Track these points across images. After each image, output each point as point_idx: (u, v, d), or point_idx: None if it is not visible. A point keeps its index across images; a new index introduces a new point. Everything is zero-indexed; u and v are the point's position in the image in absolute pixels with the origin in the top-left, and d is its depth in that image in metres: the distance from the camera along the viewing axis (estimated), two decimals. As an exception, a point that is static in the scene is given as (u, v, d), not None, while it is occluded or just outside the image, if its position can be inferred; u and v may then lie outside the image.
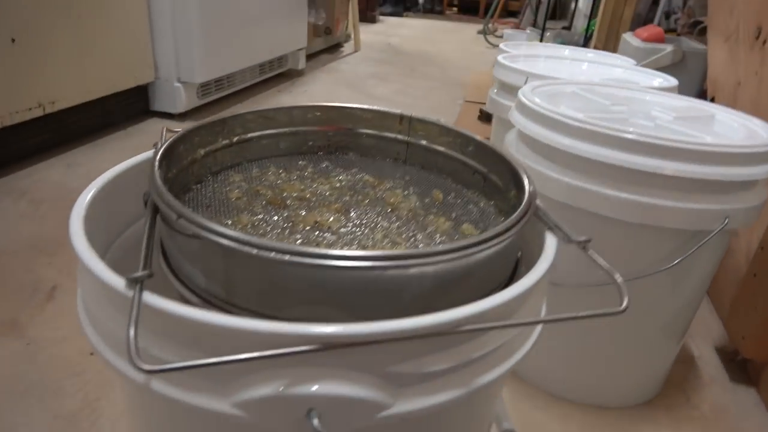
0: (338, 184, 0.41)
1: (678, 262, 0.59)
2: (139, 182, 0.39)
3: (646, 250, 0.61)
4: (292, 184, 0.40)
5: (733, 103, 1.06)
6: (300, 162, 0.44)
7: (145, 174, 0.40)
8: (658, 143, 0.56)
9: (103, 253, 0.37)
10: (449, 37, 3.89)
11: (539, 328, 0.33)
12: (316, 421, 0.24)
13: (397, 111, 0.45)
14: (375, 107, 0.45)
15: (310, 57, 2.54)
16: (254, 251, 0.25)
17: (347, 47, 3.04)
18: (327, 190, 0.40)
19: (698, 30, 2.16)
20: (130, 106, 1.55)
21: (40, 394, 0.65)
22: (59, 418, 0.62)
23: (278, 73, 2.19)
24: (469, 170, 0.42)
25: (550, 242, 0.33)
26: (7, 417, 0.61)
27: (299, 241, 0.33)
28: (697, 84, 1.72)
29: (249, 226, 0.34)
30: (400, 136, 0.45)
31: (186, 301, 0.29)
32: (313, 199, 0.39)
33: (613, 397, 0.73)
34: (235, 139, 0.42)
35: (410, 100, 2.10)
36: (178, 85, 1.58)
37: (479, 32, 4.00)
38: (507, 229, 0.28)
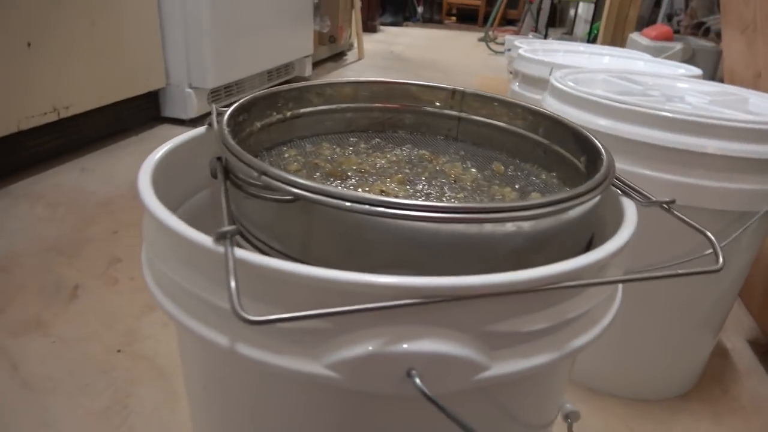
0: (395, 158, 0.40)
1: (725, 244, 0.58)
2: (187, 161, 0.38)
3: (689, 234, 0.60)
4: (349, 158, 0.39)
5: (754, 88, 1.05)
6: (351, 139, 0.43)
7: (195, 154, 0.39)
8: (698, 121, 0.55)
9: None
10: (450, 45, 3.91)
11: (620, 292, 0.32)
12: (418, 381, 0.23)
13: (449, 85, 0.44)
14: (426, 82, 0.44)
15: (315, 65, 2.55)
16: (347, 204, 0.24)
17: (351, 55, 3.05)
18: (385, 164, 0.39)
19: (703, 30, 2.17)
20: (142, 112, 1.54)
21: (69, 390, 0.63)
22: (90, 415, 0.60)
23: (285, 80, 2.19)
24: (528, 142, 0.41)
25: (629, 205, 0.32)
26: (37, 414, 0.60)
27: None
28: (709, 70, 1.72)
29: None
30: (452, 112, 0.44)
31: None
32: (373, 171, 0.38)
33: (652, 389, 0.71)
34: (288, 114, 0.41)
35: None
36: (189, 90, 1.58)
37: (480, 39, 4.02)
38: (599, 184, 0.27)
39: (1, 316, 0.75)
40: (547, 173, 0.40)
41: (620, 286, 0.32)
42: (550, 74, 0.87)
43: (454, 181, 0.37)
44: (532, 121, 0.40)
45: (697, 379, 0.75)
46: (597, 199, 0.28)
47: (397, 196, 0.34)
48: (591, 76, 0.75)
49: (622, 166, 0.58)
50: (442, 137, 0.45)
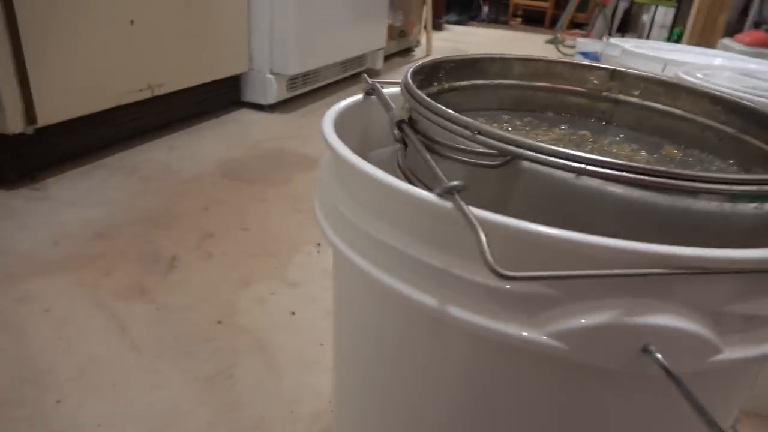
0: (555, 136, 0.39)
1: None
2: (342, 128, 0.38)
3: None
4: (510, 131, 0.38)
5: None
6: (503, 116, 0.42)
7: (356, 119, 0.38)
8: None
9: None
10: (517, 46, 3.85)
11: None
12: (659, 356, 0.21)
13: (608, 65, 0.42)
14: (585, 62, 0.42)
15: (385, 59, 2.55)
16: (581, 166, 0.23)
17: (418, 51, 3.04)
18: (547, 141, 0.38)
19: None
20: (223, 96, 1.58)
21: (174, 356, 0.65)
22: (198, 380, 0.61)
23: (357, 72, 2.20)
24: (697, 128, 0.39)
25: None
26: (145, 377, 0.61)
27: None
28: None
29: None
30: (610, 94, 0.42)
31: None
32: None
33: None
34: (446, 85, 0.40)
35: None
36: (270, 76, 1.60)
37: (547, 42, 3.94)
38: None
39: (106, 279, 0.78)
40: (721, 160, 0.37)
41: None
42: (663, 71, 0.83)
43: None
44: (708, 105, 0.38)
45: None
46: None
47: None
48: (716, 72, 0.71)
49: None
50: (594, 120, 0.43)
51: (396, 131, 0.30)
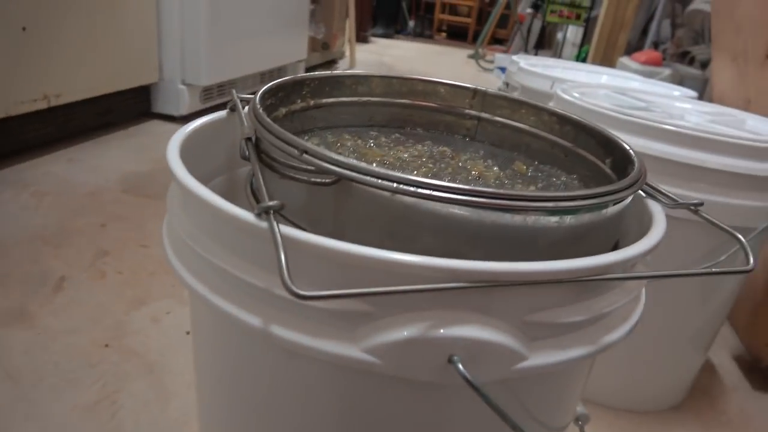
0: (416, 153, 0.40)
1: (724, 259, 0.58)
2: (205, 145, 0.38)
3: (688, 246, 0.61)
4: (372, 150, 0.39)
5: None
6: (371, 132, 0.43)
7: (216, 137, 0.38)
8: (702, 136, 0.56)
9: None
10: (440, 59, 3.95)
11: (644, 294, 0.32)
12: (461, 366, 0.22)
13: (471, 85, 0.44)
14: (448, 81, 0.44)
15: (307, 71, 2.54)
16: (395, 185, 0.24)
17: (342, 64, 3.06)
18: (408, 158, 0.39)
19: (688, 59, 2.23)
20: (132, 106, 1.52)
21: (54, 384, 0.61)
22: (77, 409, 0.58)
23: (277, 84, 2.18)
24: (547, 144, 0.41)
25: (657, 208, 0.32)
26: (21, 408, 0.58)
27: None
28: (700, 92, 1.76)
29: None
30: (472, 111, 0.44)
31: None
32: (397, 164, 0.37)
33: (643, 401, 0.72)
34: (312, 102, 0.40)
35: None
36: (182, 87, 1.56)
37: (469, 56, 4.07)
38: (636, 180, 0.27)
39: (-17, 303, 0.72)
40: (567, 175, 0.40)
41: (643, 288, 0.32)
42: (551, 88, 0.88)
43: (478, 177, 0.37)
44: (554, 123, 0.41)
45: (687, 393, 0.75)
46: (632, 196, 0.28)
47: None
48: (593, 91, 0.76)
49: (627, 177, 0.59)
50: (460, 136, 0.45)
51: (240, 149, 0.30)
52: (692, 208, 0.31)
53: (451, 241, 0.25)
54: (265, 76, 2.02)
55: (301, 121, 0.41)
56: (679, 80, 1.66)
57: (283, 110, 0.38)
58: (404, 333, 0.23)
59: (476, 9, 5.35)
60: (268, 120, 0.28)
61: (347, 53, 3.07)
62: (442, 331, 0.23)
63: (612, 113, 0.60)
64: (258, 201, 0.30)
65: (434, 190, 0.24)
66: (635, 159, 0.32)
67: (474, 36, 5.13)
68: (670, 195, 0.32)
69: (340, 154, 0.35)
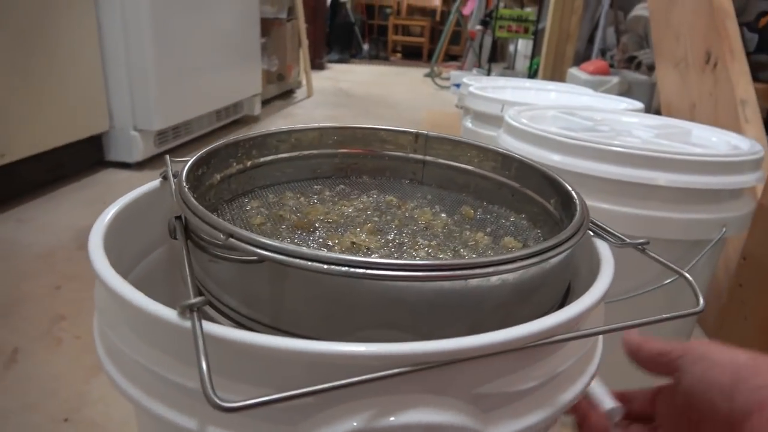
0: (362, 206, 0.39)
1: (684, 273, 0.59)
2: (141, 217, 0.36)
3: (646, 264, 0.61)
4: (315, 207, 0.38)
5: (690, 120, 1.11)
6: (315, 186, 0.42)
7: (150, 210, 0.36)
8: (649, 155, 0.57)
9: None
10: (397, 80, 3.99)
11: (601, 339, 0.31)
12: (409, 455, 0.21)
13: (412, 129, 0.43)
14: (389, 126, 0.43)
15: (264, 103, 2.53)
16: (324, 267, 0.22)
17: (299, 93, 3.06)
18: (352, 212, 0.38)
19: (635, 64, 2.30)
20: (83, 157, 1.48)
21: (8, 471, 0.57)
22: (34, 497, 0.55)
23: (235, 120, 2.16)
24: (495, 184, 0.41)
25: (605, 249, 0.32)
26: (-29, 501, 0.54)
27: None
28: (647, 101, 1.81)
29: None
30: (416, 155, 0.44)
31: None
32: (341, 221, 0.36)
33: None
34: (249, 163, 0.39)
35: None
36: (135, 133, 1.53)
37: (426, 75, 4.12)
38: (578, 229, 0.27)
39: (-73, 388, 0.68)
40: (516, 215, 0.39)
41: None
42: (501, 111, 0.89)
43: (425, 228, 0.36)
44: (499, 163, 0.40)
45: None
46: (579, 243, 0.27)
47: (369, 248, 0.33)
48: (542, 113, 0.77)
49: (580, 200, 0.59)
50: (407, 181, 0.44)
51: (169, 227, 0.29)
52: (639, 247, 0.31)
53: (391, 315, 0.24)
54: (221, 114, 2.00)
55: (242, 181, 0.39)
56: (627, 87, 1.71)
57: (218, 176, 0.36)
58: (353, 424, 0.21)
59: (428, 28, 5.44)
60: (194, 201, 0.27)
61: (304, 82, 3.07)
62: (392, 418, 0.21)
63: (560, 138, 0.60)
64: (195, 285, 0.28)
65: (366, 267, 0.22)
66: (577, 202, 0.31)
67: (429, 54, 5.21)
68: (616, 234, 0.32)
69: (263, 226, 0.34)
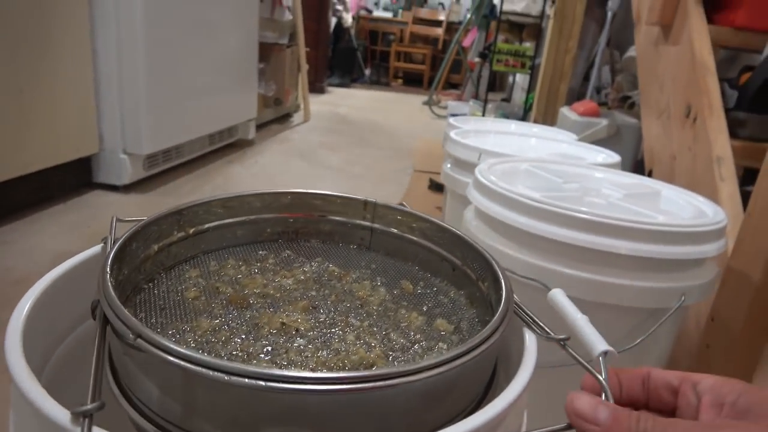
0: (302, 276, 0.39)
1: (640, 342, 0.59)
2: (85, 280, 0.36)
3: (606, 329, 0.61)
4: (254, 279, 0.38)
5: (670, 175, 1.12)
6: (260, 252, 0.42)
7: (92, 273, 0.36)
8: (612, 223, 0.57)
9: (42, 365, 0.33)
10: (396, 107, 4.02)
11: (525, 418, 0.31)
12: None
13: (361, 197, 0.44)
14: (339, 193, 0.44)
15: (260, 127, 2.55)
16: (225, 377, 0.23)
17: (297, 117, 3.08)
18: (291, 284, 0.38)
19: (628, 104, 2.32)
20: (71, 178, 1.49)
21: None
22: None
23: (228, 144, 2.17)
24: (437, 257, 0.41)
25: (531, 341, 0.32)
26: None
27: (267, 349, 0.30)
28: (631, 155, 1.83)
29: (209, 331, 0.32)
30: (364, 222, 0.44)
31: (139, 429, 0.26)
32: (277, 295, 0.36)
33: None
34: (192, 230, 0.39)
35: (361, 170, 2.12)
36: (124, 156, 1.54)
37: (424, 103, 4.16)
38: (488, 337, 0.27)
39: None
40: (456, 290, 0.40)
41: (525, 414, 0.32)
42: (478, 159, 0.89)
43: (361, 305, 0.36)
44: (441, 237, 0.41)
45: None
46: (490, 348, 0.28)
47: (297, 330, 0.33)
48: (514, 166, 0.77)
49: (540, 263, 0.59)
50: (355, 246, 0.45)
51: (91, 308, 0.29)
52: (561, 343, 0.31)
53: (298, 423, 0.24)
54: (214, 138, 2.01)
55: (185, 248, 0.40)
56: (616, 130, 1.72)
57: (155, 247, 0.36)
58: None
59: (430, 56, 5.51)
60: (111, 292, 0.27)
61: (302, 106, 3.10)
62: None
63: (525, 200, 0.60)
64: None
65: (267, 380, 0.23)
66: (504, 293, 0.31)
67: (429, 81, 5.26)
68: (542, 326, 0.32)
69: (198, 300, 0.33)
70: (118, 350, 0.28)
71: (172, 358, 0.23)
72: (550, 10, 2.49)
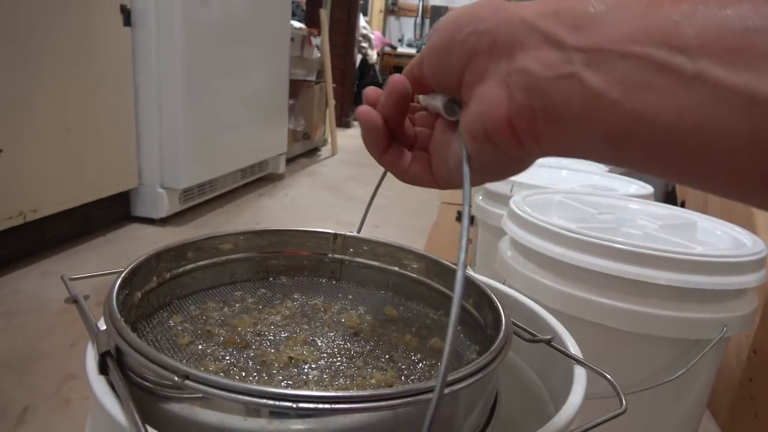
0: (288, 312, 0.39)
1: (682, 374, 0.58)
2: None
3: (647, 360, 0.61)
4: (242, 319, 0.38)
5: (704, 206, 1.11)
6: (236, 293, 0.42)
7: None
8: (649, 253, 0.57)
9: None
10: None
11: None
12: None
13: (330, 230, 0.45)
14: (306, 228, 0.45)
15: (289, 161, 2.61)
16: (293, 405, 0.23)
17: (324, 151, 3.14)
18: (280, 321, 0.38)
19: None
20: (111, 212, 1.54)
21: None
22: None
23: (258, 178, 2.23)
24: (410, 280, 0.43)
25: (580, 375, 0.32)
26: None
27: (287, 383, 0.31)
28: (662, 185, 1.81)
29: (221, 374, 0.31)
30: (334, 255, 0.45)
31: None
32: (272, 332, 0.37)
33: None
34: (168, 275, 0.39)
35: (387, 202, 2.14)
36: (161, 191, 1.59)
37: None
38: (502, 347, 0.28)
39: (-63, 446, 0.70)
40: (435, 311, 0.41)
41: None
42: (510, 191, 0.90)
43: (354, 333, 0.37)
44: (412, 262, 0.43)
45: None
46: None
47: (306, 362, 0.33)
48: (548, 198, 0.78)
49: (578, 293, 0.60)
50: (325, 279, 0.45)
51: (98, 365, 0.28)
52: (546, 343, 0.32)
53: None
54: (245, 172, 2.07)
55: (161, 294, 0.39)
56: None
57: (138, 294, 0.36)
58: None
59: (454, 89, 5.57)
60: (134, 337, 0.26)
61: (329, 140, 3.16)
62: None
63: (561, 231, 0.61)
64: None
65: (336, 402, 0.23)
66: (502, 316, 0.32)
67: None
68: (527, 330, 0.33)
69: (192, 345, 0.33)
70: (143, 399, 0.27)
71: (233, 395, 0.23)
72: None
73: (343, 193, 2.25)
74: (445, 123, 0.30)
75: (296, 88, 2.58)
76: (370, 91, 0.32)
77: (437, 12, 6.01)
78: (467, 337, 0.38)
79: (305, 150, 2.90)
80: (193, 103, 1.60)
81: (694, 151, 0.18)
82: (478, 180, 0.28)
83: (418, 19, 6.21)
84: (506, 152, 0.25)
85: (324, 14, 2.95)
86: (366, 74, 4.89)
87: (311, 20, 3.05)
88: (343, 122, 4.08)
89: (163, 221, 1.62)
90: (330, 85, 3.02)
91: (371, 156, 0.33)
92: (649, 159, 0.20)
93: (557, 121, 0.22)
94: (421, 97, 0.33)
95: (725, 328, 0.58)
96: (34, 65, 1.18)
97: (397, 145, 0.33)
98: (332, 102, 3.08)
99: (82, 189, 1.38)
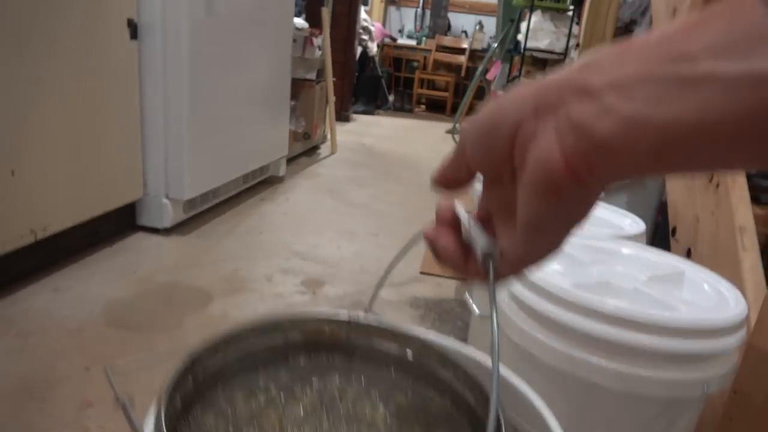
0: (309, 403, 0.44)
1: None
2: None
3: (631, 416, 0.66)
4: (268, 414, 0.42)
5: (694, 237, 1.15)
6: (261, 383, 0.45)
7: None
8: (634, 320, 0.61)
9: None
10: (419, 136, 4.09)
11: None
12: None
13: (344, 317, 0.48)
14: (321, 314, 0.48)
15: (289, 161, 2.63)
16: None
17: (324, 149, 3.16)
18: (303, 415, 0.42)
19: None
20: (118, 223, 1.57)
21: None
22: None
23: (259, 182, 2.25)
24: (415, 364, 0.47)
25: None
26: None
27: None
28: (655, 199, 1.86)
29: None
30: (349, 340, 0.49)
31: None
32: (296, 427, 0.41)
33: None
34: (201, 377, 0.42)
35: (387, 207, 2.18)
36: (166, 201, 1.62)
37: (447, 132, 4.22)
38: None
39: (-34, 476, 0.74)
40: (440, 396, 0.45)
41: None
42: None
43: (369, 425, 0.42)
44: (418, 348, 0.47)
45: None
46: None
47: None
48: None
49: (570, 351, 0.64)
50: (340, 356, 0.49)
51: None
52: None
53: None
54: (247, 177, 2.09)
55: (193, 393, 0.42)
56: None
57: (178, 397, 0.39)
58: None
59: (453, 83, 5.58)
60: None
61: (329, 137, 3.18)
62: None
63: (554, 291, 0.65)
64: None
65: None
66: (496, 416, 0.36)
67: (452, 108, 5.33)
68: None
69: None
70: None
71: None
72: (574, 52, 2.54)
73: (343, 197, 2.28)
74: (500, 197, 0.31)
75: (297, 88, 2.60)
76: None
77: (438, 3, 5.98)
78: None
79: (305, 149, 2.92)
80: (197, 114, 1.63)
81: (721, 140, 0.22)
82: (542, 246, 0.29)
83: (419, 10, 6.18)
84: (567, 196, 0.26)
85: (326, 12, 2.95)
86: (366, 66, 4.89)
87: (313, 20, 3.05)
88: (341, 116, 4.09)
89: (167, 231, 1.66)
90: (330, 83, 3.03)
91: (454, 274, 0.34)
92: (691, 159, 0.23)
93: (606, 149, 0.25)
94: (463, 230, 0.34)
95: (705, 386, 0.63)
96: (42, 83, 1.20)
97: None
98: (332, 99, 3.09)
99: (91, 203, 1.41)
